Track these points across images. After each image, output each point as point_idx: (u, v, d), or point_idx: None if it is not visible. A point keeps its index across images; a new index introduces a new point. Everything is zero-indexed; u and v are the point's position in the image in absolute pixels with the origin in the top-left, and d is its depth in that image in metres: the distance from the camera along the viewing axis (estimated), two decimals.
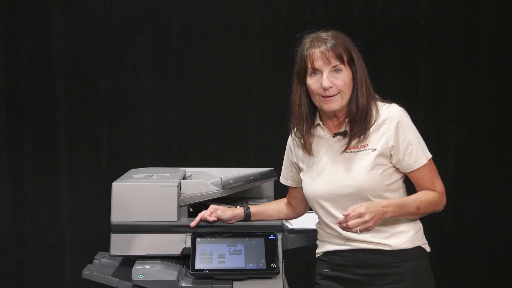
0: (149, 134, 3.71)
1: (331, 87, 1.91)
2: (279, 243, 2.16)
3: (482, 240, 3.88)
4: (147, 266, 2.10)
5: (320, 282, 2.06)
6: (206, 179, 2.36)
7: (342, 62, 1.92)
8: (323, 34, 1.96)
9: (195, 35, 3.70)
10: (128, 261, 2.26)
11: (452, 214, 3.82)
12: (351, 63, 1.95)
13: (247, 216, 2.20)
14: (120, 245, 2.13)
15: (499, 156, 3.87)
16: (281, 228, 2.22)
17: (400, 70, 3.79)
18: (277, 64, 3.73)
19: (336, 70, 1.92)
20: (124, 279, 2.16)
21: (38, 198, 3.68)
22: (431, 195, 1.96)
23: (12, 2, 3.61)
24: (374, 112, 1.96)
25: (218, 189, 2.27)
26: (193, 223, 2.14)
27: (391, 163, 1.96)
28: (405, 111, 1.98)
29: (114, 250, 2.14)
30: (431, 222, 3.92)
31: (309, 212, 2.28)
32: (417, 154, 1.94)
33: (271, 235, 2.17)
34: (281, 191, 2.40)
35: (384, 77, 3.75)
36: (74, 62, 3.66)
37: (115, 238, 2.13)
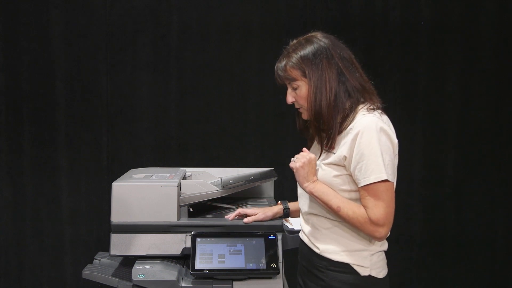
0: (149, 134, 3.71)
1: (293, 102, 1.97)
2: (279, 243, 2.17)
3: (482, 240, 3.88)
4: (147, 266, 2.11)
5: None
6: (206, 179, 2.37)
7: (295, 79, 1.93)
8: (285, 51, 1.98)
9: (195, 35, 3.70)
10: (128, 261, 2.26)
11: (452, 214, 3.82)
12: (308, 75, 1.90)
13: (286, 216, 2.28)
14: (120, 245, 2.14)
15: (499, 156, 3.87)
16: (281, 228, 2.23)
17: (400, 70, 3.79)
18: None
19: (293, 88, 1.96)
20: (124, 279, 2.16)
21: (38, 198, 3.68)
22: (358, 211, 1.83)
23: (12, 2, 3.61)
24: (347, 118, 1.86)
25: (218, 189, 2.27)
26: (231, 217, 2.21)
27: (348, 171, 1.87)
28: (378, 124, 1.81)
29: (114, 250, 2.14)
30: (431, 221, 3.94)
31: None
32: (366, 170, 1.79)
33: (271, 235, 2.17)
34: (281, 191, 2.40)
35: (384, 77, 3.75)
36: (74, 62, 3.66)
37: (115, 238, 2.14)
